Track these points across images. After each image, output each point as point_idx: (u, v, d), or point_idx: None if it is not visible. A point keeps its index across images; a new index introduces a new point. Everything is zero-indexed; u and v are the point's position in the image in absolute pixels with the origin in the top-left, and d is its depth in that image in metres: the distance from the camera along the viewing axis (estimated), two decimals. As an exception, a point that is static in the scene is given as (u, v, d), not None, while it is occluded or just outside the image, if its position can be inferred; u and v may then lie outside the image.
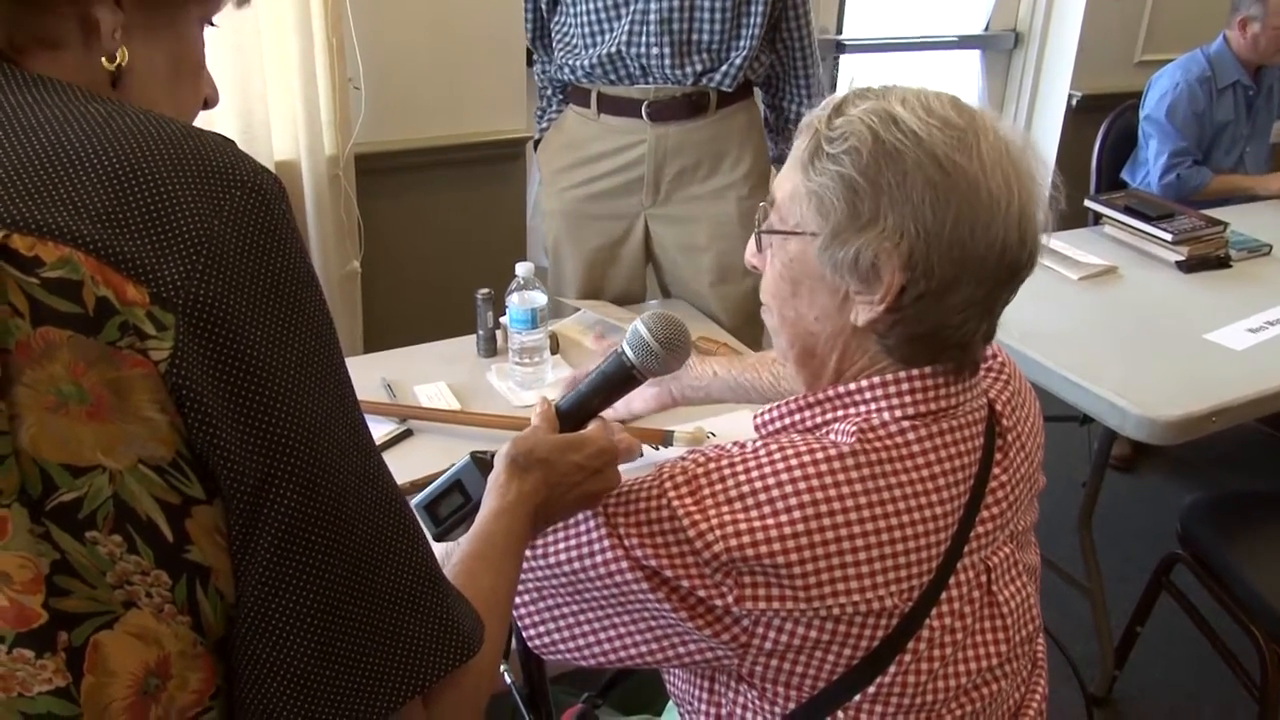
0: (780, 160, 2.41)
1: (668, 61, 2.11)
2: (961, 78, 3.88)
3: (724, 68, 2.14)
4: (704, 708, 1.01)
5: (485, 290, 1.97)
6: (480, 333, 2.01)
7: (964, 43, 3.79)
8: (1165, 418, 1.92)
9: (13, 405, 0.52)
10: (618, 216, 2.32)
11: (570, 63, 2.21)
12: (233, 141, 0.62)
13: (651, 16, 2.07)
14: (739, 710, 0.98)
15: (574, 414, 1.03)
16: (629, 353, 1.03)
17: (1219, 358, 2.15)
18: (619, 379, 1.04)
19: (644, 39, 2.09)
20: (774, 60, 2.27)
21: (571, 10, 2.16)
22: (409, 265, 2.83)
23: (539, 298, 1.88)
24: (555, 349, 1.99)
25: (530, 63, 2.86)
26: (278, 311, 0.58)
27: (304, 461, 0.59)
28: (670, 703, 1.28)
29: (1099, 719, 2.33)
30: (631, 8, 2.08)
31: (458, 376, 1.91)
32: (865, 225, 0.89)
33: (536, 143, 2.44)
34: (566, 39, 2.22)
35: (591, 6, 2.12)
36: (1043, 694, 1.11)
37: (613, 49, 2.12)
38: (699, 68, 2.13)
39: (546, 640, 1.02)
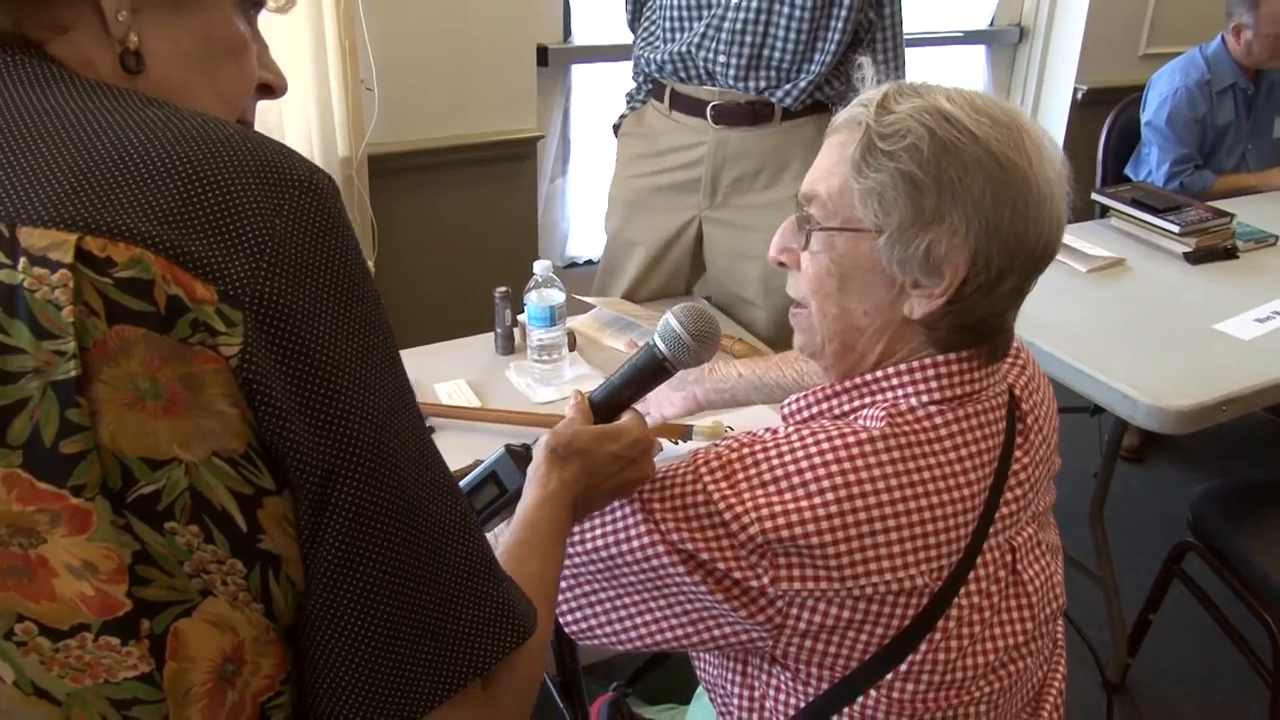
0: None
1: (732, 71, 2.12)
2: (967, 73, 3.89)
3: (787, 87, 2.13)
4: (736, 690, 1.04)
5: (503, 288, 2.00)
6: (498, 330, 2.03)
7: (969, 38, 3.80)
8: (1176, 407, 1.93)
9: (93, 402, 0.54)
10: (675, 213, 2.32)
11: (647, 54, 2.23)
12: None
13: (725, 24, 2.08)
14: (772, 692, 1.00)
15: (607, 406, 1.05)
16: (660, 345, 1.05)
17: (1228, 347, 2.17)
18: (650, 370, 1.06)
19: (715, 45, 2.10)
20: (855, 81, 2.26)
21: (657, 2, 2.18)
22: (422, 264, 2.85)
23: (557, 295, 1.90)
24: (573, 345, 2.01)
25: (542, 63, 2.90)
26: (338, 306, 0.60)
27: (369, 452, 0.60)
28: (697, 691, 1.31)
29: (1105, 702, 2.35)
30: (712, 11, 2.09)
31: (476, 374, 1.94)
32: (931, 220, 0.92)
33: (616, 127, 2.43)
34: (650, 30, 2.24)
35: (674, 3, 2.13)
36: (1063, 675, 1.14)
37: (684, 48, 2.14)
38: (762, 84, 2.13)
39: (583, 626, 1.05)
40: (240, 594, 0.59)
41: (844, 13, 2.06)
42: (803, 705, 0.98)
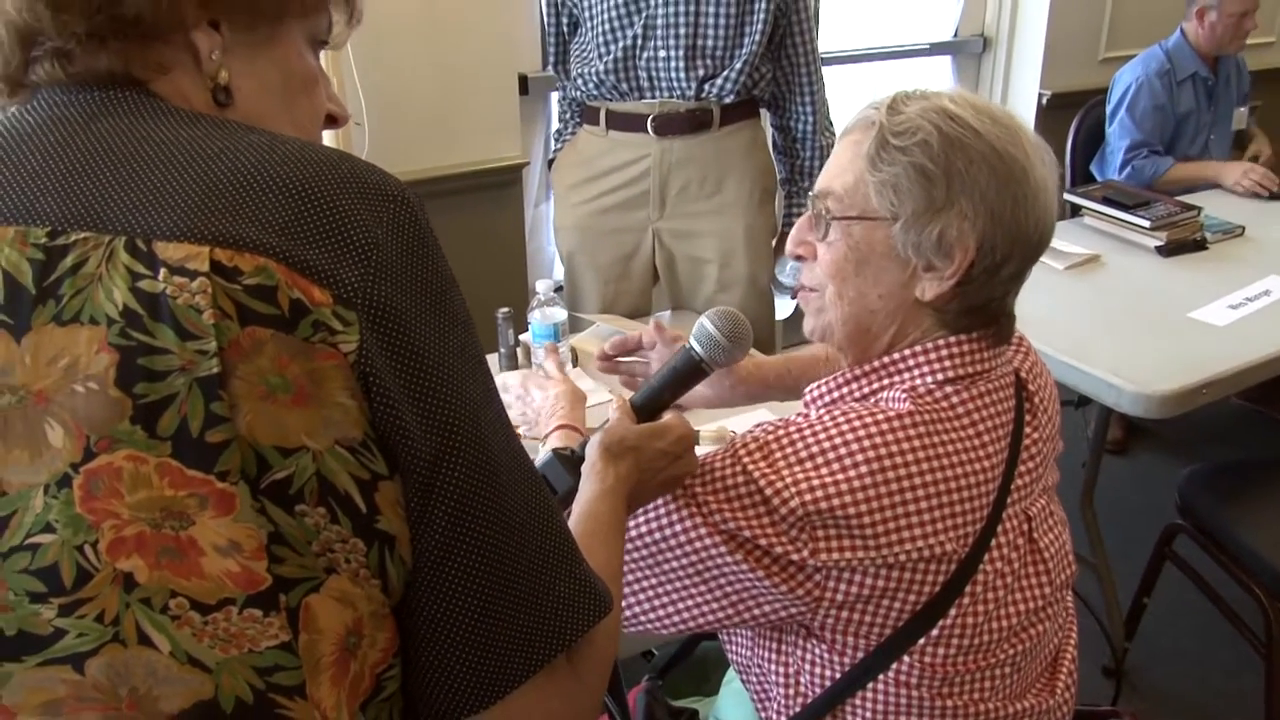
0: (790, 180, 2.51)
1: (674, 64, 2.23)
2: (935, 84, 3.98)
3: (725, 73, 2.25)
4: (772, 667, 1.10)
5: (505, 309, 2.05)
6: (502, 350, 2.08)
7: (935, 50, 3.91)
8: (1159, 392, 2.02)
9: (232, 396, 0.59)
10: (628, 230, 2.42)
11: (584, 72, 2.32)
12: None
13: (659, 22, 2.21)
14: (807, 665, 1.06)
15: (648, 407, 1.12)
16: (697, 347, 1.12)
17: (1204, 334, 2.26)
18: (688, 372, 1.13)
19: (654, 42, 2.22)
20: (779, 77, 2.38)
21: (589, 23, 2.29)
22: (417, 293, 2.90)
23: (560, 313, 1.96)
24: (575, 362, 2.07)
25: (523, 91, 2.97)
26: (435, 308, 0.67)
27: (470, 439, 0.67)
28: (726, 677, 1.36)
29: (1109, 690, 2.41)
30: (643, 15, 2.21)
31: (483, 394, 1.98)
32: (942, 207, 1.01)
33: (551, 162, 2.55)
34: (583, 51, 2.34)
35: (607, 16, 2.24)
36: (1075, 642, 1.20)
37: (622, 53, 2.24)
38: (702, 73, 2.25)
39: (627, 614, 1.10)
40: (360, 571, 0.64)
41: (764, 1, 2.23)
42: (838, 675, 1.04)
